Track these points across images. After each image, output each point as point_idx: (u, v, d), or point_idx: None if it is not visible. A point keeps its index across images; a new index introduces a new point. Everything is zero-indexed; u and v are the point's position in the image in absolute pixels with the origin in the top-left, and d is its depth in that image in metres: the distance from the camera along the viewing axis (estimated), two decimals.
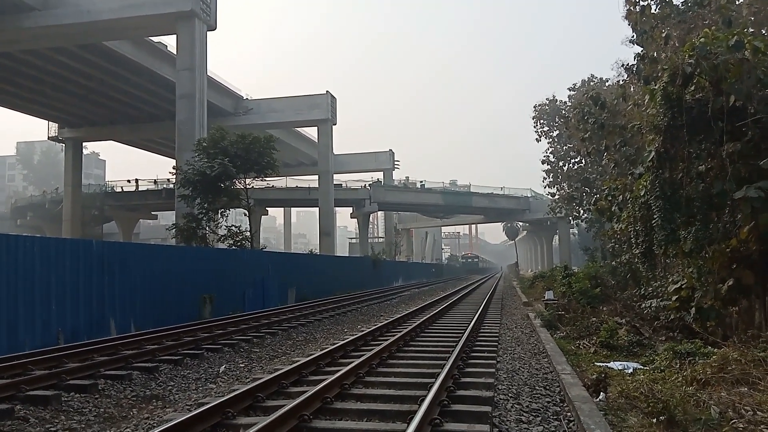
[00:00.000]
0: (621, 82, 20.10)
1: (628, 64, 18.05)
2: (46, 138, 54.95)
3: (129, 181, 57.54)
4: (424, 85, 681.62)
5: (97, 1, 30.41)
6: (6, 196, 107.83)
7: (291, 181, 62.95)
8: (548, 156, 42.34)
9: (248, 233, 27.24)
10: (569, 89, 42.38)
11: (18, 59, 35.55)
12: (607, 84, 34.14)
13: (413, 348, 10.63)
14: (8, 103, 45.35)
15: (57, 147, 66.35)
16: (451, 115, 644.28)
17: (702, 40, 9.55)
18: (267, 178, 28.58)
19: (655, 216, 10.71)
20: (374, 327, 13.18)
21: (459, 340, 10.33)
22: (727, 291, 9.60)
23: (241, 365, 10.01)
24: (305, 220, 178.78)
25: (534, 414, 6.38)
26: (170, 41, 35.42)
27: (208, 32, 31.75)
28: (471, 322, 13.43)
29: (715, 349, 8.34)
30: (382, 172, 72.32)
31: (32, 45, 33.17)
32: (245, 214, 28.51)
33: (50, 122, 51.41)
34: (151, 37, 36.20)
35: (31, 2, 29.91)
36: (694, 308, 10.39)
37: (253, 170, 26.13)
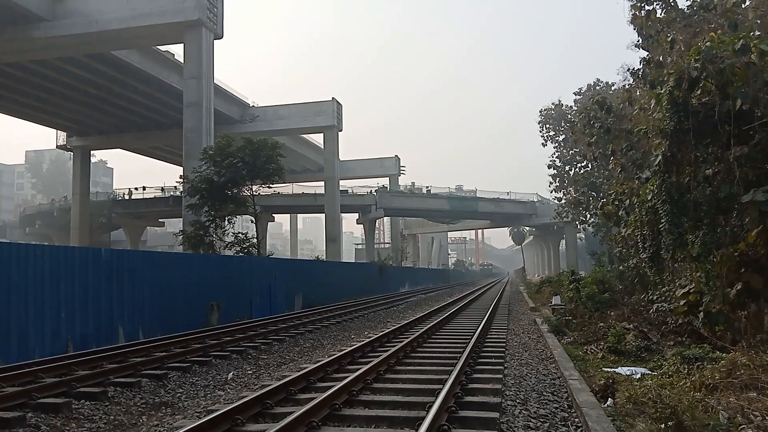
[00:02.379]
0: (627, 87, 20.06)
1: (633, 69, 18.01)
2: (54, 146, 55.45)
3: (136, 188, 57.92)
4: (429, 90, 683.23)
5: (105, 11, 30.68)
6: (15, 205, 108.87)
7: (297, 188, 63.16)
8: (554, 160, 42.29)
9: (255, 240, 27.33)
10: (575, 94, 42.37)
11: (27, 69, 35.92)
12: (613, 88, 34.04)
13: (421, 354, 10.64)
14: (18, 112, 45.80)
15: (65, 155, 67.02)
16: (457, 120, 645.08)
17: (708, 44, 9.56)
18: (273, 185, 28.67)
19: (662, 220, 10.70)
20: (381, 333, 13.19)
21: (466, 346, 10.33)
22: (735, 295, 9.56)
23: (249, 372, 10.04)
24: (311, 227, 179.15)
25: (542, 420, 6.37)
26: (177, 50, 35.74)
27: (215, 41, 31.98)
28: (478, 327, 13.42)
29: (724, 354, 8.31)
30: (387, 178, 72.44)
31: (41, 55, 33.51)
32: (252, 221, 28.60)
33: (59, 131, 51.88)
34: (158, 46, 36.51)
35: (40, 13, 30.23)
36: (702, 313, 10.35)
37: (260, 177, 26.23)
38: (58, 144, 53.14)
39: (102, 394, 7.76)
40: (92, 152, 57.49)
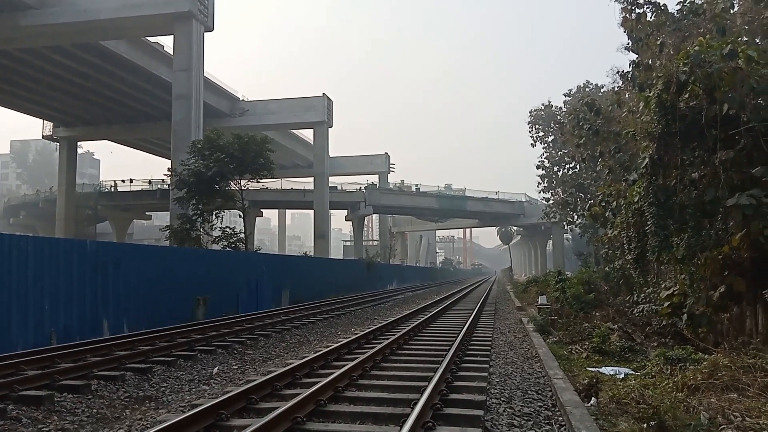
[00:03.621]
0: (616, 89, 20.22)
1: (623, 71, 18.19)
2: (40, 137, 54.76)
3: (123, 180, 57.44)
4: (420, 89, 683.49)
5: (95, 0, 30.35)
6: None
7: (286, 183, 62.94)
8: (543, 161, 42.53)
9: (242, 235, 27.18)
10: (565, 95, 42.64)
11: (14, 57, 35.44)
12: (602, 90, 34.33)
13: (406, 351, 10.65)
14: (3, 101, 45.18)
15: (52, 146, 66.25)
16: (447, 119, 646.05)
17: (696, 48, 9.66)
18: (262, 180, 28.56)
19: (648, 222, 10.80)
20: (368, 330, 13.20)
21: (452, 344, 10.37)
22: (718, 298, 9.68)
23: (235, 367, 10.01)
24: (300, 222, 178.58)
25: (526, 418, 6.42)
26: (167, 41, 35.43)
27: (205, 33, 31.74)
28: (464, 326, 13.47)
29: (706, 356, 8.41)
30: (377, 175, 72.42)
31: (29, 43, 33.07)
32: (240, 216, 28.47)
33: (45, 121, 51.22)
34: (148, 37, 36.16)
35: (27, 1, 29.83)
36: (686, 314, 10.48)
37: (249, 171, 26.11)
38: (45, 134, 52.47)
39: (85, 387, 7.69)
40: (79, 143, 56.82)
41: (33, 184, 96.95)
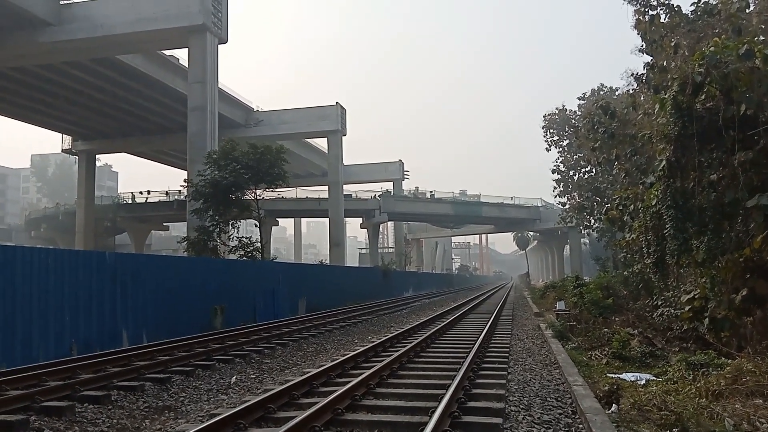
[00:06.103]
0: (631, 92, 20.09)
1: (637, 73, 18.07)
2: (60, 150, 55.71)
3: (141, 192, 58.20)
4: (434, 94, 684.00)
5: (111, 15, 30.85)
6: (20, 208, 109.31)
7: (301, 192, 63.20)
8: (558, 165, 42.20)
9: (259, 244, 27.33)
10: (579, 98, 42.34)
11: (32, 73, 36.13)
12: (616, 93, 34.07)
13: (424, 359, 10.61)
14: (23, 116, 46.03)
15: (71, 159, 67.33)
16: (461, 125, 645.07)
17: (712, 48, 9.56)
18: (277, 189, 28.73)
19: (667, 225, 10.67)
20: (385, 338, 13.17)
21: (470, 351, 10.30)
22: (741, 301, 9.51)
23: (252, 376, 10.04)
24: (315, 231, 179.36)
25: (545, 426, 6.34)
26: (182, 54, 35.90)
27: (219, 45, 32.12)
28: (482, 332, 13.39)
29: (729, 361, 8.26)
30: (391, 183, 72.48)
31: (46, 59, 33.70)
32: (256, 225, 28.64)
33: (64, 135, 52.07)
34: (163, 51, 36.69)
35: (46, 18, 30.42)
36: (707, 319, 10.30)
37: (264, 181, 26.28)
38: (64, 148, 53.33)
39: (105, 398, 7.77)
40: (97, 156, 57.69)
41: (53, 197, 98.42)
